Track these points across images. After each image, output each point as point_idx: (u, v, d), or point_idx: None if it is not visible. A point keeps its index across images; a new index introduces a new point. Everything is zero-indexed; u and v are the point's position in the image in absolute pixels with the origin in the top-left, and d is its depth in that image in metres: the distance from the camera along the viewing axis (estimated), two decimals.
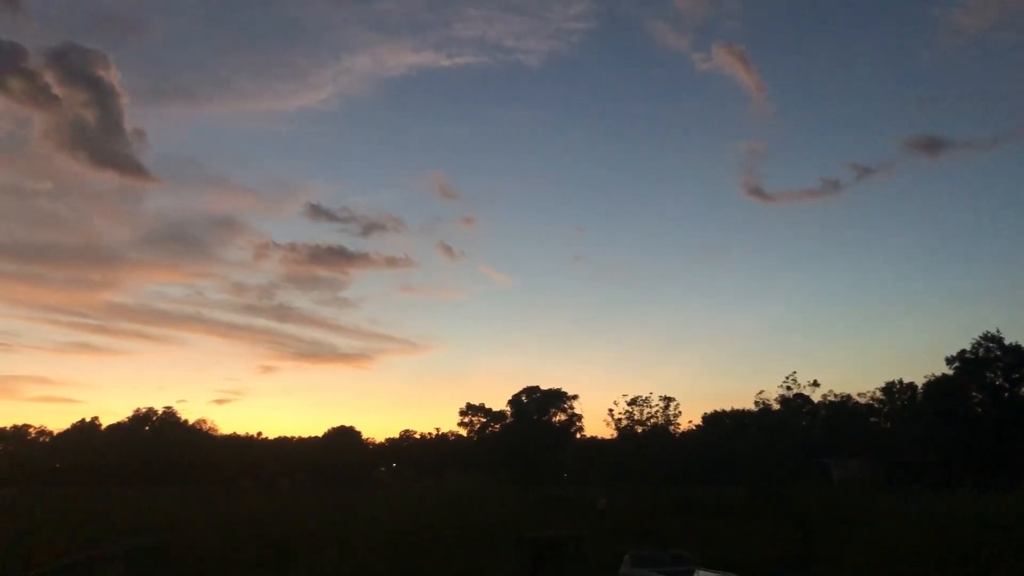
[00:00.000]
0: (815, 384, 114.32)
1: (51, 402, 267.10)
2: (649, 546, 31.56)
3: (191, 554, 28.60)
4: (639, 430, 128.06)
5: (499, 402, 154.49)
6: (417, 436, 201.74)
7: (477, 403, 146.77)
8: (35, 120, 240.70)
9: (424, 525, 40.14)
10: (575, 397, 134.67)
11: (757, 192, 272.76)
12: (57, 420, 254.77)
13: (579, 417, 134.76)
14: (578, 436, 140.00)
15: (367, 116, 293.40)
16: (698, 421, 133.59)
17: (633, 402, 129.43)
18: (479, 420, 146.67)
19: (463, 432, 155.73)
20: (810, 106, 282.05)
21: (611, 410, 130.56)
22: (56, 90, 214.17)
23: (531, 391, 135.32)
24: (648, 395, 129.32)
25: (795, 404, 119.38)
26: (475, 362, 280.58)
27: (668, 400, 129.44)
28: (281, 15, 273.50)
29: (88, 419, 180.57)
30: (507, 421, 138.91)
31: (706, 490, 76.99)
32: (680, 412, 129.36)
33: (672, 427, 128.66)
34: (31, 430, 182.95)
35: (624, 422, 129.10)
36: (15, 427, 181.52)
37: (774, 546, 34.73)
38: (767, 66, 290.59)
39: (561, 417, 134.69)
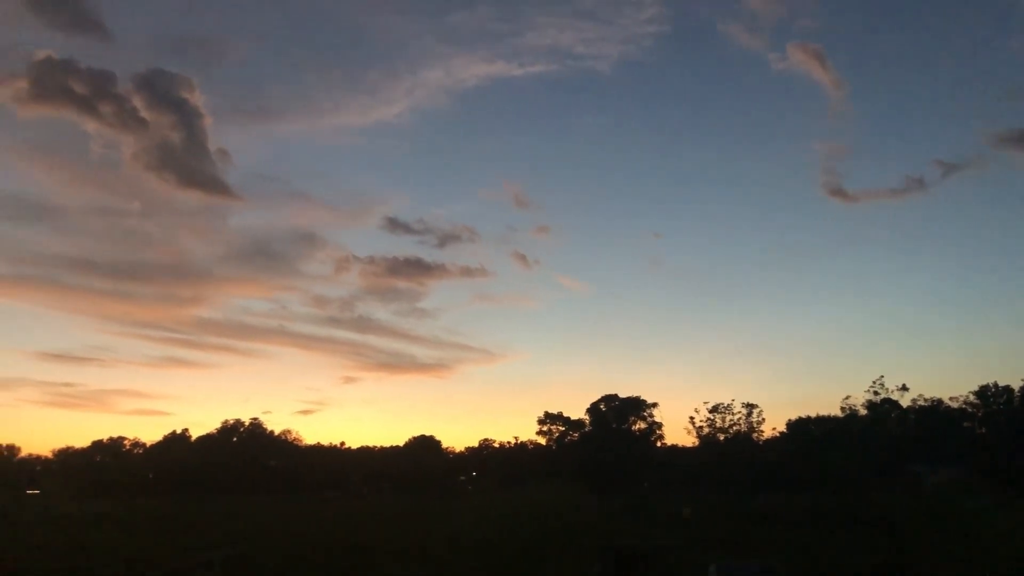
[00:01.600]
0: (904, 388, 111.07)
1: (144, 415, 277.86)
2: (735, 556, 31.11)
3: (283, 561, 29.39)
4: (721, 438, 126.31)
5: (577, 410, 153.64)
6: (496, 445, 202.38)
7: (555, 412, 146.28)
8: (125, 143, 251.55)
9: (508, 533, 40.35)
10: (654, 405, 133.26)
11: (838, 192, 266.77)
12: (150, 432, 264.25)
13: (659, 425, 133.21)
14: (658, 444, 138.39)
15: (441, 128, 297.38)
16: (782, 428, 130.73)
17: (714, 409, 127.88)
18: (558, 429, 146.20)
19: (542, 441, 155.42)
20: (891, 102, 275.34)
21: (692, 418, 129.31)
22: (144, 114, 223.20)
23: (609, 399, 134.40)
24: (730, 402, 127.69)
25: (883, 409, 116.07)
26: (552, 370, 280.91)
27: (751, 407, 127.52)
28: (357, 32, 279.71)
29: (179, 431, 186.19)
30: (586, 430, 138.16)
31: (792, 499, 75.38)
32: (763, 419, 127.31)
33: (755, 434, 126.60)
34: (126, 442, 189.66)
35: (705, 430, 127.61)
36: (111, 439, 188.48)
37: (864, 556, 33.89)
38: (844, 63, 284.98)
39: (640, 425, 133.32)
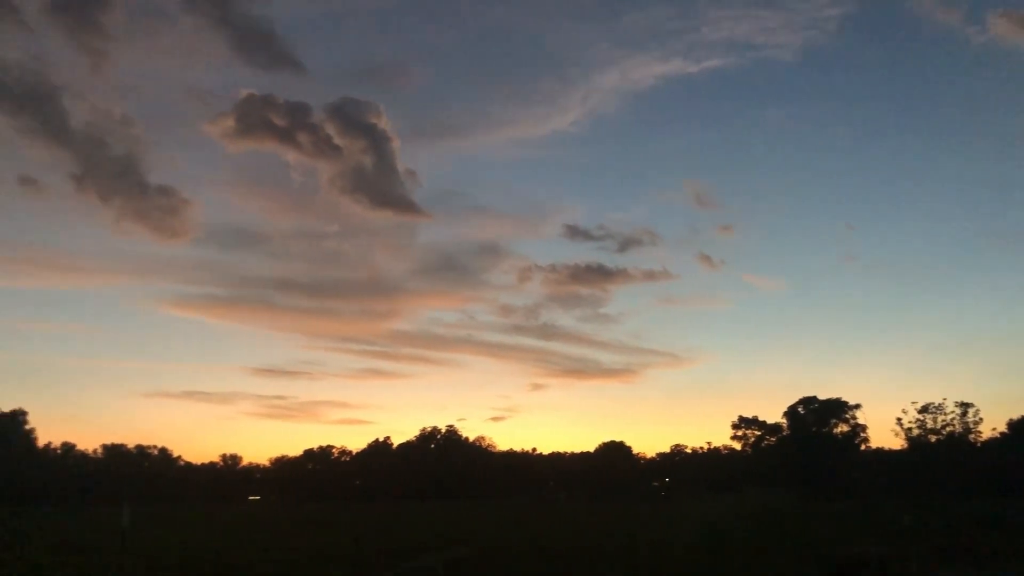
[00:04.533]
0: None
1: (349, 424, 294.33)
2: (963, 567, 29.24)
3: (503, 565, 30.32)
4: (933, 439, 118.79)
5: (773, 414, 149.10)
6: (688, 450, 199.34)
7: (750, 415, 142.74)
8: (321, 170, 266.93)
9: (717, 540, 39.75)
10: (857, 406, 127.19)
11: None
12: (355, 440, 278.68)
13: (862, 427, 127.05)
14: (862, 447, 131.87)
15: (617, 132, 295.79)
16: (1002, 428, 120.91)
17: (924, 410, 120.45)
18: (753, 433, 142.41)
19: (736, 445, 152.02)
20: None
21: (899, 419, 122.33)
22: (337, 141, 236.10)
23: (808, 401, 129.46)
24: (941, 402, 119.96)
25: None
26: (744, 373, 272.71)
27: (965, 406, 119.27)
28: (530, 44, 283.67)
29: (381, 438, 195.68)
30: (783, 433, 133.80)
31: (1020, 503, 69.55)
32: (980, 419, 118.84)
33: (972, 435, 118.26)
34: (334, 450, 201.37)
35: (915, 431, 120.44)
36: (321, 447, 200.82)
37: None
38: None
39: (843, 428, 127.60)
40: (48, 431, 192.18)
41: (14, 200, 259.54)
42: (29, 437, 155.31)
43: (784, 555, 33.63)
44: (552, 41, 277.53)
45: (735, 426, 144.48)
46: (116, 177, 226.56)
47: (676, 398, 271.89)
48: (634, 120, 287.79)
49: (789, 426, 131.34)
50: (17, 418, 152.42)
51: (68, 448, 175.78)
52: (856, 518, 62.78)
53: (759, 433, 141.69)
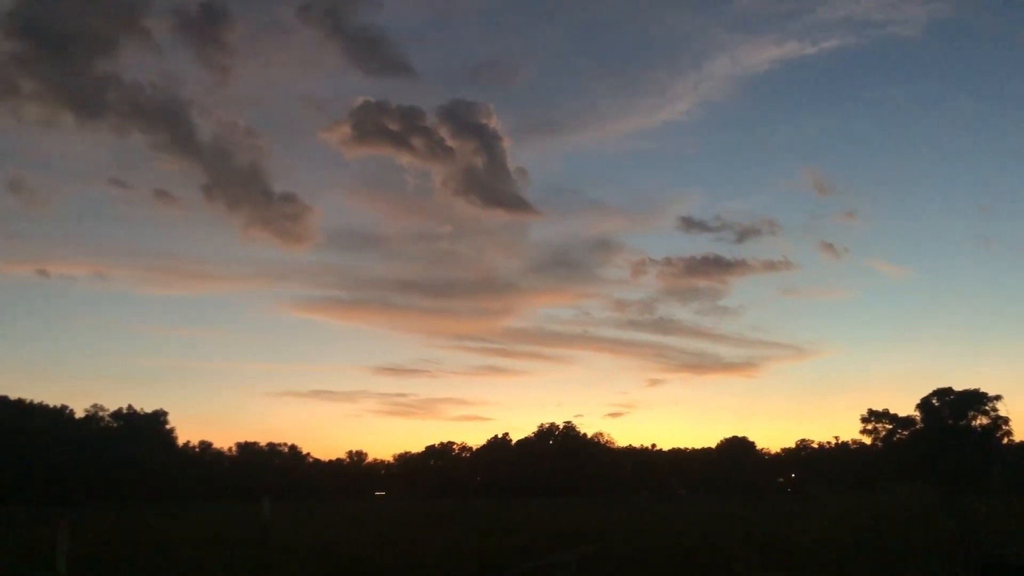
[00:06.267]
0: None
1: (468, 420, 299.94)
2: None
3: (636, 560, 30.12)
4: None
5: (905, 406, 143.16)
6: (815, 445, 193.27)
7: (879, 408, 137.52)
8: (435, 172, 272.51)
9: (852, 539, 38.35)
10: (997, 398, 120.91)
11: None
12: (474, 436, 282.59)
13: (1004, 420, 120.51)
14: (1004, 441, 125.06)
15: (731, 120, 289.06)
16: None
17: None
18: (884, 427, 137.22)
19: (866, 440, 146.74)
20: None
21: None
22: (450, 143, 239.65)
23: (943, 393, 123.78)
24: None
25: None
26: (872, 364, 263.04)
27: None
28: (639, 35, 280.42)
29: (500, 435, 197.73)
30: (917, 427, 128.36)
31: None
32: None
33: None
34: (455, 446, 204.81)
35: None
36: (442, 444, 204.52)
37: None
38: None
39: (982, 420, 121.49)
40: (186, 430, 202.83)
41: (150, 212, 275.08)
42: (169, 436, 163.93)
43: (932, 556, 32.19)
44: (660, 30, 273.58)
45: (864, 420, 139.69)
46: (242, 187, 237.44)
47: (800, 391, 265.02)
48: (749, 106, 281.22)
49: (923, 419, 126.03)
50: (158, 418, 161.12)
51: (205, 446, 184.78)
52: (1002, 517, 59.54)
53: (890, 427, 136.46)
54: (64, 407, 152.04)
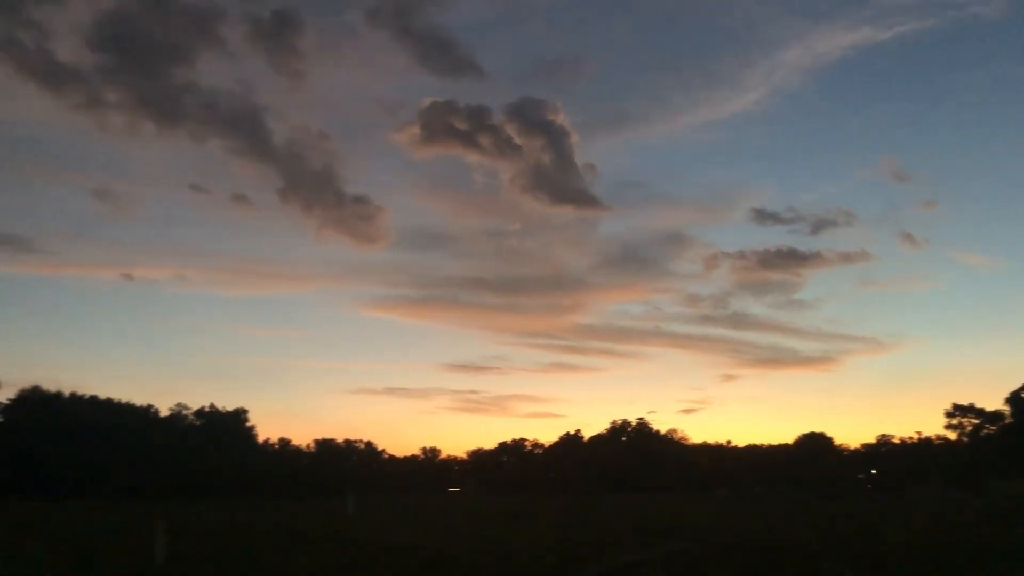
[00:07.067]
0: None
1: (539, 417, 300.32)
2: None
3: (722, 558, 29.68)
4: None
5: (993, 400, 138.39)
6: (896, 440, 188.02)
7: (965, 403, 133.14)
8: (502, 169, 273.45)
9: (955, 538, 37.09)
10: None
11: None
12: (546, 433, 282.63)
13: None
14: None
15: (803, 109, 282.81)
16: None
17: None
18: (970, 421, 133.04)
19: (951, 435, 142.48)
20: None
21: None
22: (517, 140, 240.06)
23: None
24: None
25: None
26: (955, 357, 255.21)
27: None
28: (707, 25, 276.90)
29: (572, 432, 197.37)
30: (1006, 421, 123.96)
31: None
32: None
33: None
34: (527, 443, 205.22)
35: None
36: (514, 441, 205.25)
37: None
38: None
39: None
40: (266, 427, 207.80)
41: (228, 216, 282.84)
42: (250, 433, 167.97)
43: None
44: (728, 20, 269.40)
45: (949, 414, 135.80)
46: (316, 189, 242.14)
47: (880, 386, 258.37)
48: (822, 94, 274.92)
49: (1012, 413, 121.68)
50: (239, 416, 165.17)
51: (284, 443, 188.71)
52: None
53: (977, 421, 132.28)
54: (150, 406, 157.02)
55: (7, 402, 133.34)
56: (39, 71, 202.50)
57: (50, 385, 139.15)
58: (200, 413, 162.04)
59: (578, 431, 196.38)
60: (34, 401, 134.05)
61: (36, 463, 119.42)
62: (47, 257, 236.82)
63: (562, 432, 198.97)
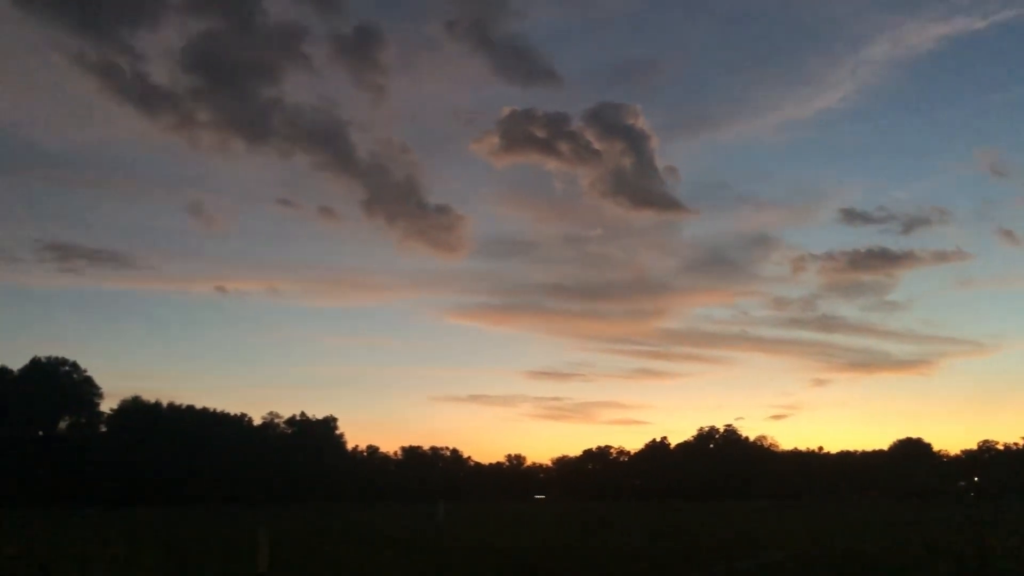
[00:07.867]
0: None
1: (623, 424, 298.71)
2: None
3: (822, 569, 28.96)
4: None
5: None
6: (1000, 447, 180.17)
7: None
8: (582, 175, 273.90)
9: None
10: None
11: None
12: (631, 440, 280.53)
13: None
14: None
15: (893, 104, 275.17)
16: None
17: None
18: None
19: None
20: None
21: None
22: (597, 145, 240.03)
23: None
24: None
25: None
26: None
27: None
28: (789, 22, 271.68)
29: (658, 439, 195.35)
30: None
31: None
32: None
33: None
34: (612, 450, 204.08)
35: None
36: (599, 448, 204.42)
37: None
38: None
39: None
40: (354, 435, 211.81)
41: (315, 228, 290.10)
42: (339, 441, 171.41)
43: None
44: (811, 16, 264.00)
45: None
46: (399, 200, 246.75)
47: (981, 390, 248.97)
48: (911, 89, 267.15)
49: None
50: (329, 424, 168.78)
51: (372, 450, 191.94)
52: None
53: None
54: (243, 415, 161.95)
55: (109, 412, 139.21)
56: (135, 94, 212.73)
57: (149, 396, 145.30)
58: (291, 421, 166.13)
59: (664, 438, 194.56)
60: (135, 411, 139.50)
61: (137, 471, 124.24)
62: (145, 272, 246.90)
63: (648, 439, 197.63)
